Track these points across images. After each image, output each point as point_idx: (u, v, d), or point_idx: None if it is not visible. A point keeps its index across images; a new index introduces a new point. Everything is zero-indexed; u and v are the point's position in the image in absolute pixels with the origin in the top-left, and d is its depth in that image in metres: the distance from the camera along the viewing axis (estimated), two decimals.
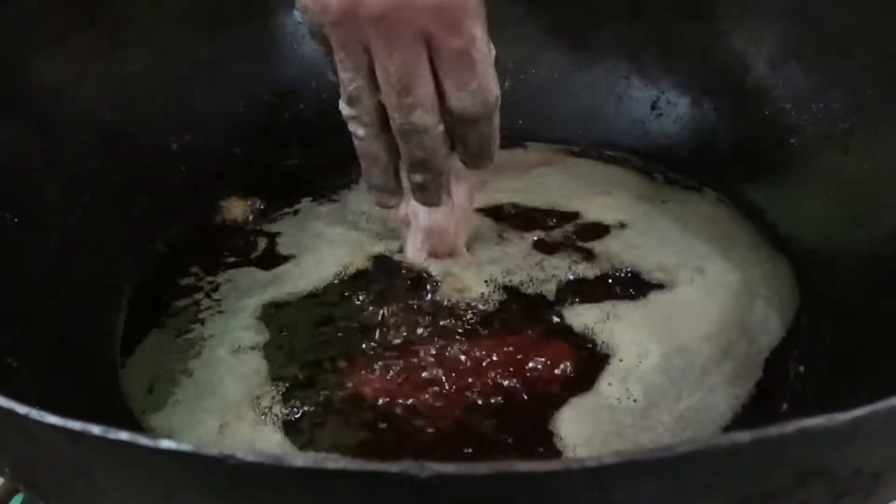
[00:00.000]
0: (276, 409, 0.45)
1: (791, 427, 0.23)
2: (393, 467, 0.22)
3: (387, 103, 0.45)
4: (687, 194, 0.60)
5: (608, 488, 0.24)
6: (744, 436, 0.23)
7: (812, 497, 0.27)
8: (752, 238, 0.56)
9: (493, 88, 0.45)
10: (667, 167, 0.62)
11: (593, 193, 0.60)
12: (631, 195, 0.60)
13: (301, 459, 0.23)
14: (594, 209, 0.58)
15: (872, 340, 0.46)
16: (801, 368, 0.47)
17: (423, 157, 0.47)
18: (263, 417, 0.44)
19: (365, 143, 0.48)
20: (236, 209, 0.60)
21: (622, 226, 0.57)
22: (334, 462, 0.23)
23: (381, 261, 0.55)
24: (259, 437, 0.43)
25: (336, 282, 0.53)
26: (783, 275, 0.53)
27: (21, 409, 0.25)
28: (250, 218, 0.59)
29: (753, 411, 0.45)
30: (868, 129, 0.53)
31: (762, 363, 0.47)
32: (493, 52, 0.45)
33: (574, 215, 0.58)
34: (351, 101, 0.46)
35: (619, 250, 0.55)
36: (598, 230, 0.57)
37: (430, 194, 0.49)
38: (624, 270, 0.53)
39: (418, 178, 0.48)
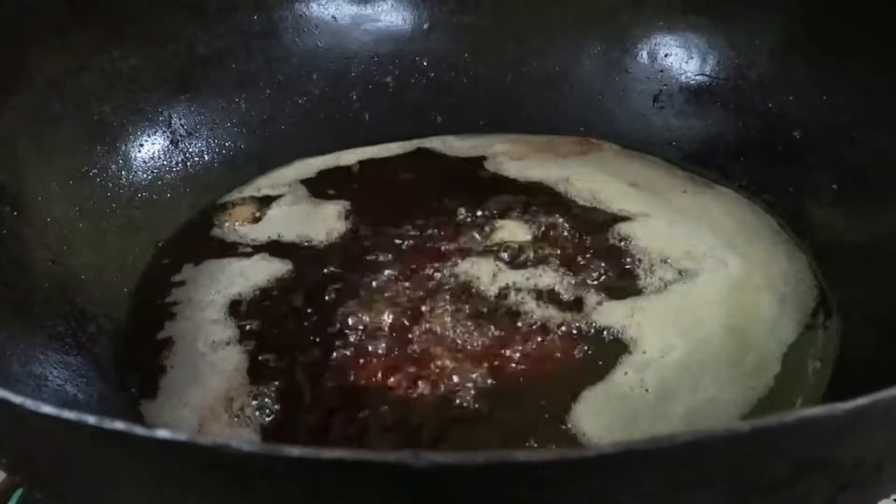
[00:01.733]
0: (249, 410, 0.44)
1: (791, 417, 0.23)
2: (389, 457, 0.22)
3: None
4: (705, 187, 0.60)
5: (607, 478, 0.24)
6: (743, 425, 0.23)
7: (813, 489, 0.26)
8: (770, 233, 0.56)
9: None
10: (674, 160, 0.62)
11: (620, 184, 0.60)
12: (655, 187, 0.60)
13: (297, 450, 0.23)
14: (620, 200, 0.58)
15: (882, 337, 0.46)
16: (818, 364, 0.47)
17: None
18: (237, 419, 0.44)
19: None
20: (238, 206, 0.60)
21: (646, 216, 0.57)
22: (329, 452, 0.22)
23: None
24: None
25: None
26: (801, 271, 0.53)
27: (16, 398, 0.25)
28: (254, 215, 0.59)
29: (770, 405, 0.45)
30: (871, 122, 0.53)
31: (780, 357, 0.47)
32: None
33: (600, 204, 0.58)
34: None
35: (644, 242, 0.54)
36: (624, 221, 0.56)
37: None
38: (649, 262, 0.53)
39: None
